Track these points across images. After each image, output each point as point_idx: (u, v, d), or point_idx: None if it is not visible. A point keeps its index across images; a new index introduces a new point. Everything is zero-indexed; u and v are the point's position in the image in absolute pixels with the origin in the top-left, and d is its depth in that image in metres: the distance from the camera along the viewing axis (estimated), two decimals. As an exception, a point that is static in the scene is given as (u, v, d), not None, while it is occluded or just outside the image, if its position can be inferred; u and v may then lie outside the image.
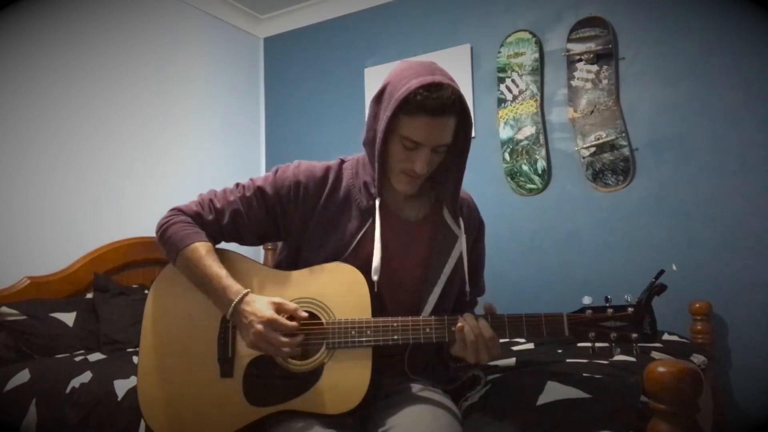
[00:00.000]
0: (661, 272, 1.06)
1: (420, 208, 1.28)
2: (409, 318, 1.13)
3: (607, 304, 1.09)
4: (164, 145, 3.02)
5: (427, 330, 1.12)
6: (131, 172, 2.83)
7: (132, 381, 1.61)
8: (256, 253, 3.35)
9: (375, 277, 1.16)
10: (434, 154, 1.16)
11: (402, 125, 1.12)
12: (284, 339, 1.10)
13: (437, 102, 1.09)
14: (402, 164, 1.16)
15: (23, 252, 2.37)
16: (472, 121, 1.19)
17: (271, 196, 1.23)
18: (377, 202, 1.20)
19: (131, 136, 2.85)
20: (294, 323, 1.12)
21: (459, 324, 1.09)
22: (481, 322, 1.10)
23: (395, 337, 1.12)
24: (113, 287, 2.44)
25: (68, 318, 2.22)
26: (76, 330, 2.20)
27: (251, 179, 1.27)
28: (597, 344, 1.08)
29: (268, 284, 1.21)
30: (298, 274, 1.21)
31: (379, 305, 1.16)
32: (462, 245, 1.24)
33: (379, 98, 1.18)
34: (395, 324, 1.12)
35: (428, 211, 1.29)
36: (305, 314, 1.14)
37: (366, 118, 1.22)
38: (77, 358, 1.95)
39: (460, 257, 1.25)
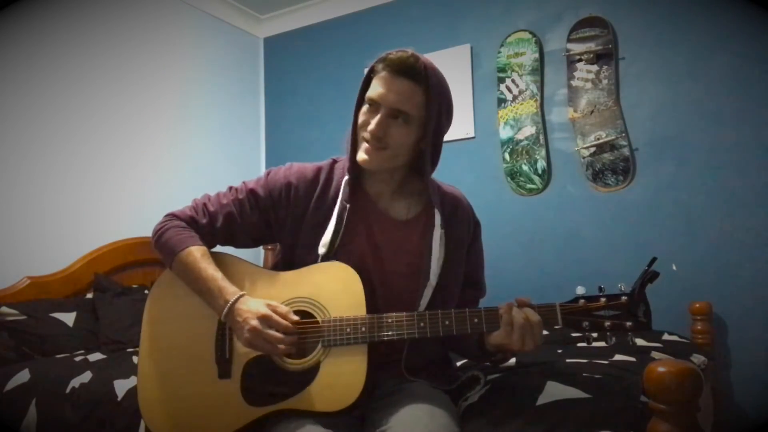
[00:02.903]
0: (654, 260, 1.06)
1: (410, 208, 1.29)
2: (404, 313, 1.13)
3: (601, 293, 1.09)
4: (164, 145, 3.02)
5: (422, 325, 1.12)
6: (131, 172, 2.83)
7: (132, 381, 1.61)
8: (257, 254, 3.35)
9: (321, 251, 1.19)
10: (392, 120, 1.17)
11: (369, 89, 1.19)
12: (280, 335, 1.10)
13: (397, 58, 1.15)
14: (363, 129, 1.19)
15: (23, 252, 2.37)
16: (443, 97, 1.21)
17: (263, 198, 1.25)
18: (345, 179, 1.22)
19: (131, 136, 2.85)
20: (288, 321, 1.13)
21: (508, 307, 1.10)
22: (526, 308, 1.10)
23: (390, 332, 1.12)
24: (113, 287, 2.44)
25: (68, 318, 2.22)
26: (76, 330, 2.20)
27: (243, 182, 1.29)
28: (591, 334, 1.08)
29: (264, 285, 1.22)
30: (292, 275, 1.22)
31: (373, 305, 1.17)
32: (435, 237, 1.23)
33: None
34: (389, 320, 1.13)
35: (419, 211, 1.29)
36: (296, 318, 1.15)
37: None
38: (77, 358, 1.95)
39: (452, 254, 1.25)
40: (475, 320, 1.12)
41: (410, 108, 1.16)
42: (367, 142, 1.18)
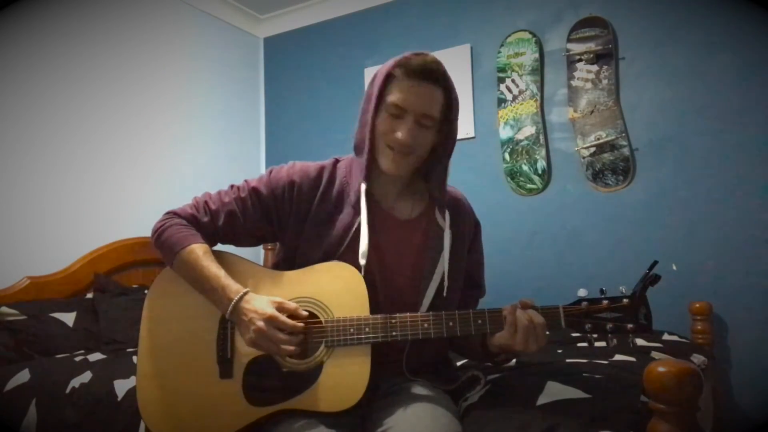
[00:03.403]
0: (655, 263, 1.07)
1: (413, 207, 1.29)
2: (407, 314, 1.13)
3: (603, 296, 1.10)
4: (164, 145, 3.02)
5: (425, 326, 1.12)
6: (131, 172, 2.83)
7: (132, 381, 1.61)
8: (256, 253, 3.35)
9: (362, 261, 1.17)
10: (420, 127, 1.17)
11: (388, 94, 1.16)
12: (285, 336, 1.10)
13: (421, 64, 1.14)
14: (387, 137, 1.18)
15: (23, 252, 2.37)
16: (457, 101, 1.21)
17: (266, 196, 1.24)
18: (363, 187, 1.21)
19: (131, 136, 2.85)
20: (295, 322, 1.12)
21: (512, 308, 1.10)
22: (530, 310, 1.10)
23: (394, 333, 1.12)
24: (113, 287, 2.44)
25: (68, 318, 2.22)
26: (76, 330, 2.20)
27: (245, 180, 1.28)
28: (593, 336, 1.09)
29: (266, 284, 1.21)
30: (295, 274, 1.21)
31: (375, 305, 1.16)
32: (446, 239, 1.23)
33: (368, 92, 1.21)
34: (393, 320, 1.12)
35: (422, 210, 1.29)
36: (305, 313, 1.14)
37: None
38: (77, 358, 1.95)
39: (455, 255, 1.25)
40: (479, 322, 1.12)
41: (435, 111, 1.17)
42: (392, 148, 1.18)
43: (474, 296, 1.39)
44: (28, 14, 2.46)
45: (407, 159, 1.19)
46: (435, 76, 1.15)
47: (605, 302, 1.09)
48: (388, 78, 1.16)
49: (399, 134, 1.15)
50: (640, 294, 1.07)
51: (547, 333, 1.11)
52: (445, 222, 1.25)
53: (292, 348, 1.11)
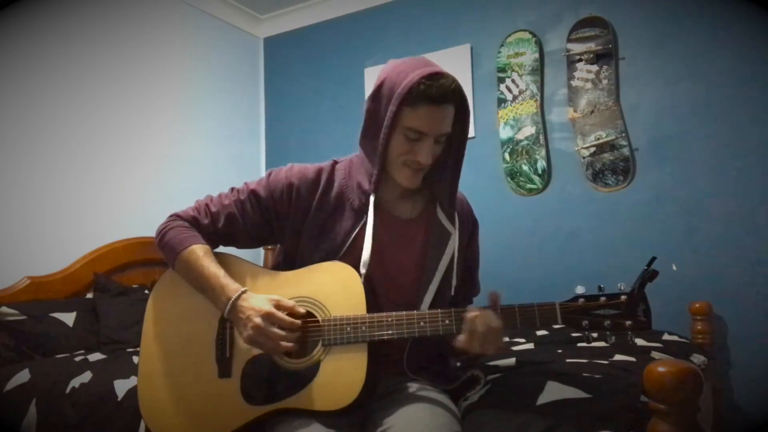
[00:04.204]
0: (653, 259, 1.06)
1: (414, 207, 1.29)
2: (404, 313, 1.13)
3: (600, 293, 1.09)
4: (164, 145, 3.02)
5: (422, 324, 1.12)
6: (131, 172, 2.83)
7: (132, 381, 1.61)
8: (257, 254, 3.35)
9: (363, 270, 1.17)
10: (436, 144, 1.18)
11: (405, 117, 1.14)
12: (283, 333, 1.10)
13: (440, 90, 1.12)
14: (404, 157, 1.18)
15: (23, 252, 2.37)
16: (470, 113, 1.22)
17: (265, 198, 1.25)
18: (372, 198, 1.21)
19: (131, 136, 2.85)
20: (292, 319, 1.13)
21: (471, 314, 1.09)
22: (488, 312, 1.10)
23: (390, 331, 1.12)
24: (113, 287, 2.44)
25: (68, 318, 2.22)
26: (76, 330, 2.20)
27: (245, 183, 1.29)
28: (591, 333, 1.08)
29: (265, 284, 1.22)
30: (293, 274, 1.22)
31: (375, 304, 1.17)
32: (455, 242, 1.24)
33: (376, 95, 1.19)
34: (389, 319, 1.13)
35: (422, 209, 1.30)
36: (302, 311, 1.15)
37: (363, 117, 1.23)
38: (77, 358, 1.95)
39: (455, 255, 1.25)
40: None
41: (449, 128, 1.18)
42: (409, 167, 1.18)
43: (468, 295, 1.40)
44: (28, 14, 2.46)
45: (422, 173, 1.21)
46: (452, 97, 1.14)
47: (603, 299, 1.08)
48: (405, 97, 1.12)
49: (420, 157, 1.16)
50: (639, 290, 1.06)
51: (546, 332, 1.11)
52: (455, 226, 1.26)
53: (289, 345, 1.11)
